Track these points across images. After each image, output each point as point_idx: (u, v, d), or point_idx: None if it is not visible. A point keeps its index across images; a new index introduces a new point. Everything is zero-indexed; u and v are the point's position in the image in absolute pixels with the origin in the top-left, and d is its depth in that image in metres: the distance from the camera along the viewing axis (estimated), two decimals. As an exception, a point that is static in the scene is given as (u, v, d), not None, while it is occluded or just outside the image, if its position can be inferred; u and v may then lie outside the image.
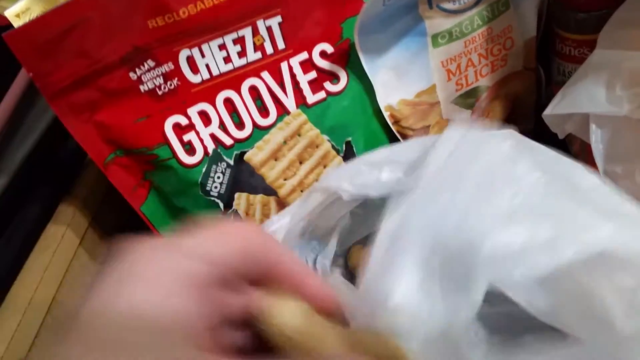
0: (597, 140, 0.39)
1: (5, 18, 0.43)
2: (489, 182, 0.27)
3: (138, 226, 0.43)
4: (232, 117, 0.41)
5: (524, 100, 0.48)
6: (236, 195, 0.42)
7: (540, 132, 0.44)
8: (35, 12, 0.43)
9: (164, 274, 0.19)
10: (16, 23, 0.43)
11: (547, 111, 0.41)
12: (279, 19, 0.39)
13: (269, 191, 0.43)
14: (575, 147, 0.46)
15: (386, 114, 0.44)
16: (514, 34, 0.45)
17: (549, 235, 0.24)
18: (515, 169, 0.28)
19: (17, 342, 0.41)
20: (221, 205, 0.42)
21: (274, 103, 0.42)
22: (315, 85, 0.42)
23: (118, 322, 0.18)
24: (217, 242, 0.21)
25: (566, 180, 0.28)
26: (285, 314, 0.21)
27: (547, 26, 0.48)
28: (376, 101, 0.44)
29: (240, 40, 0.39)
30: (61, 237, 0.48)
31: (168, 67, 0.38)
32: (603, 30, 0.41)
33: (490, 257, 0.24)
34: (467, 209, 0.26)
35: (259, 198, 0.43)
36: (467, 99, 0.45)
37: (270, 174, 0.42)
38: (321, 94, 0.43)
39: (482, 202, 0.26)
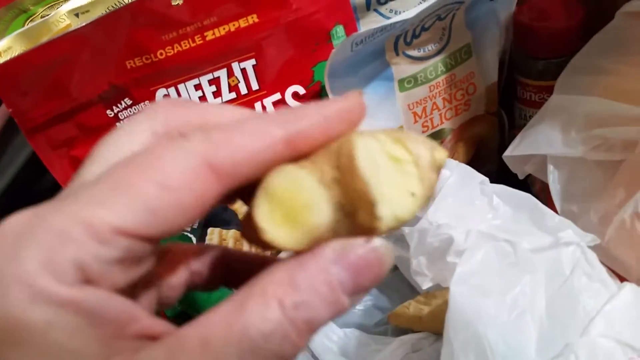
0: (554, 180, 0.41)
1: (-14, 57, 0.44)
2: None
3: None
4: (206, 155, 0.42)
5: (487, 143, 0.51)
6: (209, 230, 0.43)
7: (503, 174, 0.46)
8: (17, 51, 0.45)
9: None
10: (-3, 62, 0.44)
11: (507, 152, 0.43)
12: (253, 61, 0.41)
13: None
14: (536, 188, 0.48)
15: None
16: (476, 80, 0.47)
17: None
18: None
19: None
20: (194, 240, 0.43)
21: (248, 142, 0.43)
22: (288, 126, 0.44)
23: None
24: None
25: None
26: None
27: (509, 73, 0.51)
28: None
29: (215, 81, 0.41)
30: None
31: (145, 105, 0.40)
32: (560, 76, 0.44)
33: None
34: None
35: (231, 233, 0.44)
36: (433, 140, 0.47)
37: (243, 209, 0.43)
38: (293, 134, 0.44)
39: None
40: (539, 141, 0.41)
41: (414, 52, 0.44)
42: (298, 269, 0.17)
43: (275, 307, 0.16)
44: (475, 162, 0.50)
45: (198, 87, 0.41)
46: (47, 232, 0.16)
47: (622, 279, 0.35)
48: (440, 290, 0.42)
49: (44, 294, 0.15)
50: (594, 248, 0.35)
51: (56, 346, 0.16)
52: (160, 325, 0.18)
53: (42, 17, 0.49)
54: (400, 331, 0.43)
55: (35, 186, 0.48)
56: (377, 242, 0.17)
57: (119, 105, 0.39)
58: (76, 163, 0.40)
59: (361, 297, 0.17)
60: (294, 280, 0.16)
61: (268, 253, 0.23)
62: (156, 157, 0.17)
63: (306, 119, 0.18)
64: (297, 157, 0.18)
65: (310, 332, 0.16)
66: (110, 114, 0.39)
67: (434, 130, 0.47)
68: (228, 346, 0.16)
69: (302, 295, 0.16)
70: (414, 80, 0.44)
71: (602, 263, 0.35)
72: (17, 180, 0.46)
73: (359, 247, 0.17)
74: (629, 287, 0.33)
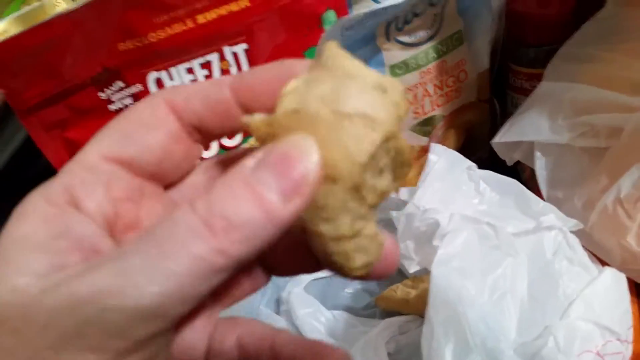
0: (541, 167, 0.41)
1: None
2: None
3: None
4: (197, 138, 0.43)
5: (479, 130, 0.51)
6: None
7: (494, 161, 0.46)
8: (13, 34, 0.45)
9: None
10: (-6, 45, 0.45)
11: (496, 139, 0.43)
12: (244, 46, 0.42)
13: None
14: (525, 174, 0.48)
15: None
16: (468, 67, 0.47)
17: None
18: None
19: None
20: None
21: (239, 125, 0.44)
22: (279, 110, 0.44)
23: None
24: None
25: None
26: None
27: (501, 61, 0.51)
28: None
29: (207, 65, 0.41)
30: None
31: (137, 88, 0.40)
32: (549, 64, 0.44)
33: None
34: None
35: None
36: (424, 127, 0.48)
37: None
38: (285, 118, 0.45)
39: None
40: (526, 128, 0.42)
41: (405, 38, 0.44)
42: (220, 179, 0.16)
43: (185, 208, 0.16)
44: (467, 149, 0.50)
45: (190, 70, 0.41)
46: (55, 178, 0.18)
47: (604, 264, 0.35)
48: (427, 274, 0.42)
49: (33, 210, 0.17)
50: (577, 233, 0.36)
51: (19, 245, 0.17)
52: None
53: (38, 0, 0.50)
54: (387, 314, 0.44)
55: (30, 169, 0.49)
56: (297, 136, 0.17)
57: (111, 87, 0.40)
58: (69, 145, 0.40)
59: (297, 201, 0.16)
60: (212, 187, 0.16)
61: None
62: (131, 108, 0.20)
63: (252, 72, 0.20)
64: (246, 101, 0.20)
65: (230, 232, 0.15)
66: (103, 97, 0.40)
67: (425, 117, 0.47)
68: (138, 258, 0.15)
69: (214, 194, 0.16)
70: (405, 66, 0.45)
71: (585, 248, 0.35)
72: (11, 163, 0.47)
73: (277, 147, 0.16)
74: (609, 271, 0.33)
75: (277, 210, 0.16)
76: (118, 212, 0.18)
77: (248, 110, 0.19)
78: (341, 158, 0.17)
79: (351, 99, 0.17)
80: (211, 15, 0.40)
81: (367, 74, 0.18)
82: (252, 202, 0.16)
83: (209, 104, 0.19)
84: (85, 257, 0.17)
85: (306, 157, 0.16)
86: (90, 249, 0.17)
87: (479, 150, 0.51)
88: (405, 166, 0.19)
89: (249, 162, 0.16)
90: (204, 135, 0.20)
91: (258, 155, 0.16)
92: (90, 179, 0.18)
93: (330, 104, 0.17)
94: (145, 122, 0.19)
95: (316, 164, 0.16)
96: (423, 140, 0.48)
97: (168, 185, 0.21)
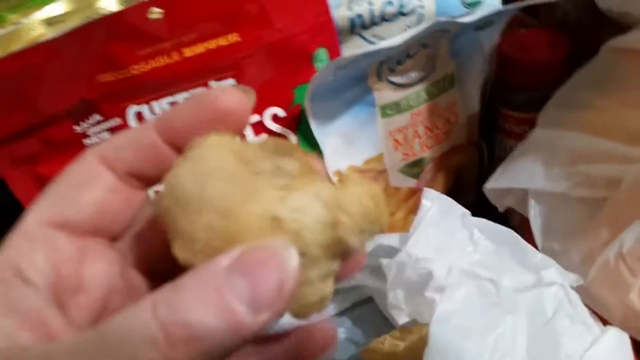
0: (535, 215, 0.40)
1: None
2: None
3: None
4: (178, 176, 0.40)
5: (467, 173, 0.50)
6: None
7: (481, 205, 0.45)
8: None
9: None
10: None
11: (488, 185, 0.42)
12: (232, 81, 0.40)
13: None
14: (515, 221, 0.47)
15: (334, 179, 0.45)
16: (458, 109, 0.46)
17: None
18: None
19: None
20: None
21: (222, 163, 0.41)
22: (265, 148, 0.42)
23: None
24: None
25: None
26: None
27: (490, 104, 0.50)
28: (325, 166, 0.44)
29: (191, 100, 0.39)
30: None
31: (115, 122, 0.38)
32: (543, 109, 0.43)
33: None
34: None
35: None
36: (413, 169, 0.46)
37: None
38: (270, 157, 0.43)
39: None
40: (520, 175, 0.41)
41: (397, 79, 0.43)
42: (188, 275, 0.15)
43: (146, 307, 0.14)
44: (455, 192, 0.49)
45: (173, 105, 0.39)
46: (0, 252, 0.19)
47: (604, 322, 0.34)
48: (416, 326, 0.40)
49: None
50: (576, 289, 0.34)
51: None
52: None
53: (14, 24, 0.47)
54: (374, 367, 0.42)
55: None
56: (277, 242, 0.16)
57: (87, 120, 0.37)
58: (40, 181, 0.38)
59: (268, 314, 0.15)
60: (179, 284, 0.15)
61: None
62: (64, 170, 0.20)
63: (174, 110, 0.20)
64: (172, 140, 0.20)
65: (189, 344, 0.14)
66: (78, 130, 0.37)
67: (414, 158, 0.46)
68: (85, 346, 0.15)
69: (180, 295, 0.14)
70: (396, 107, 0.43)
71: (585, 304, 0.34)
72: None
73: (254, 250, 0.15)
74: (612, 331, 0.32)
75: (245, 323, 0.15)
76: (61, 275, 0.18)
77: (177, 148, 0.20)
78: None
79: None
80: (199, 49, 0.38)
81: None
82: (219, 311, 0.14)
83: (139, 151, 0.20)
84: (35, 332, 0.17)
85: (285, 264, 0.15)
86: (39, 323, 0.17)
87: (466, 193, 0.50)
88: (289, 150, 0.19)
89: (223, 261, 0.15)
90: (141, 181, 0.20)
91: (233, 254, 0.15)
92: (29, 248, 0.18)
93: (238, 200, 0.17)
94: (78, 182, 0.19)
95: (294, 272, 0.15)
96: (411, 182, 0.47)
97: (114, 237, 0.21)
